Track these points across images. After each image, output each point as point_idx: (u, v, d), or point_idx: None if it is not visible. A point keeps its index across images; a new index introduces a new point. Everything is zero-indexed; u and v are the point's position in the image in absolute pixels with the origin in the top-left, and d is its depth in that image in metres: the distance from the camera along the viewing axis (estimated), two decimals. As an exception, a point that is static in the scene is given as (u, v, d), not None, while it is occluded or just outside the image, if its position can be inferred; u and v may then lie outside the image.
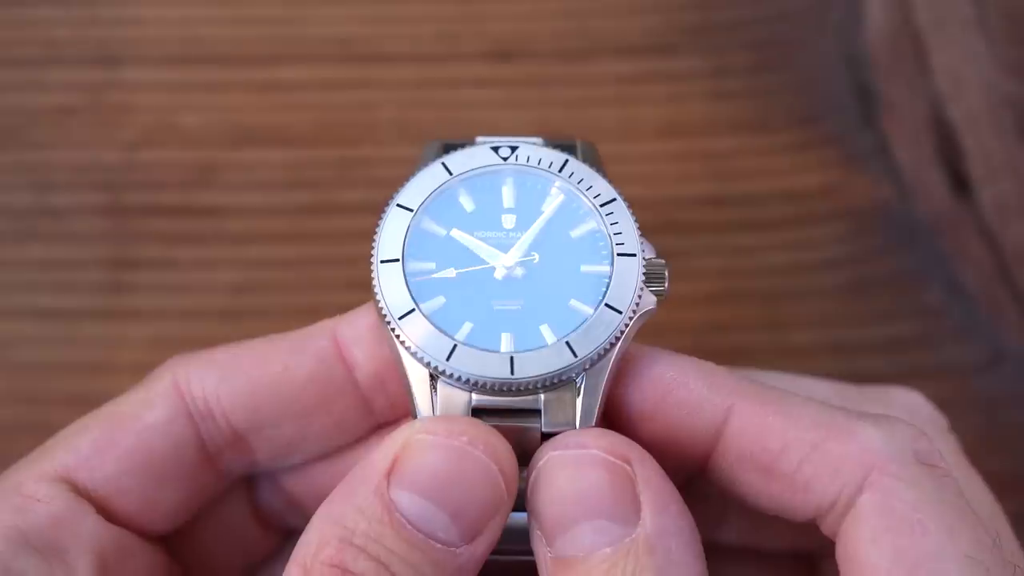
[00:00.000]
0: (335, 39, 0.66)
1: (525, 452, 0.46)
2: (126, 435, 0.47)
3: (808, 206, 0.66)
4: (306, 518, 0.52)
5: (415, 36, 0.66)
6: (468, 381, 0.46)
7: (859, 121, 0.66)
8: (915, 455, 0.44)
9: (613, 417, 0.47)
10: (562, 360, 0.46)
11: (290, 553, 0.53)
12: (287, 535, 0.54)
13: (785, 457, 0.45)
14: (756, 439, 0.45)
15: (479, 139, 0.48)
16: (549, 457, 0.45)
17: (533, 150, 0.47)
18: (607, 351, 0.46)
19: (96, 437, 0.47)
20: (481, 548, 0.44)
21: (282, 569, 0.53)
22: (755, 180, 0.66)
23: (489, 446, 0.44)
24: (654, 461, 0.45)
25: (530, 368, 0.46)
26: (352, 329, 0.48)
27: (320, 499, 0.51)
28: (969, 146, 0.66)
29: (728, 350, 0.64)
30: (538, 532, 0.45)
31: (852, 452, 0.44)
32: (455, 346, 0.46)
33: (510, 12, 0.65)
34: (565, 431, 0.46)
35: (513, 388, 0.46)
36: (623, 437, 0.45)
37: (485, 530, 0.44)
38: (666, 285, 0.47)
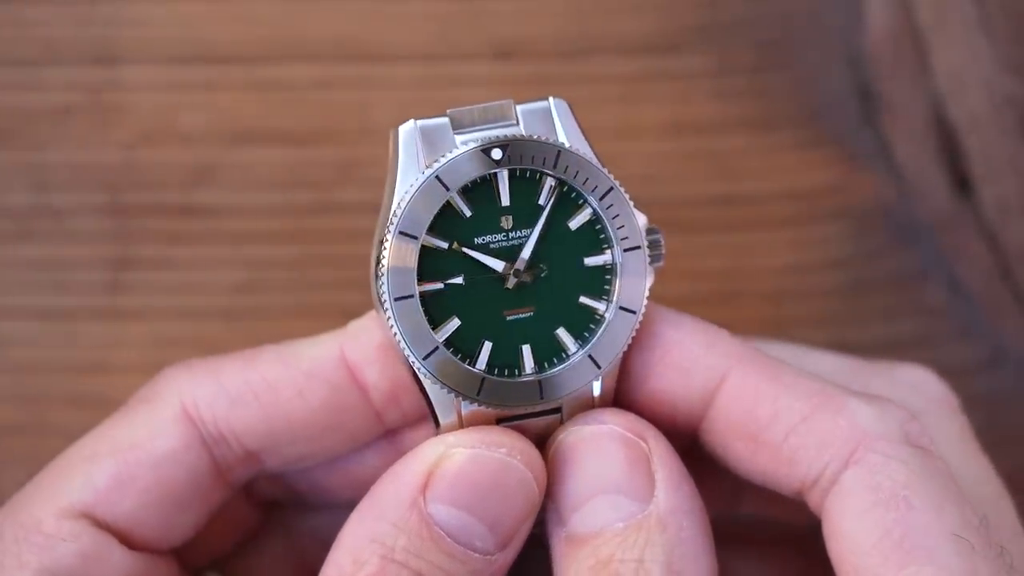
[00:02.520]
0: (335, 39, 0.65)
1: (543, 439, 0.47)
2: (143, 469, 0.47)
3: (808, 206, 0.66)
4: (296, 499, 0.53)
5: (415, 35, 0.65)
6: (498, 408, 0.46)
7: (860, 120, 0.66)
8: (904, 436, 0.45)
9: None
10: (588, 375, 0.47)
11: (276, 524, 0.54)
12: (270, 507, 0.55)
13: (773, 427, 0.45)
14: (746, 406, 0.46)
15: (450, 111, 0.47)
16: (568, 433, 0.46)
17: (524, 147, 0.46)
18: (626, 347, 0.47)
19: (113, 472, 0.46)
20: (512, 553, 0.45)
21: (266, 540, 0.54)
22: (756, 179, 0.66)
23: (525, 455, 0.45)
24: (668, 442, 0.45)
25: (559, 389, 0.46)
26: (362, 349, 0.48)
27: (317, 488, 0.51)
28: (970, 146, 0.66)
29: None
30: (553, 513, 0.45)
31: (840, 427, 0.45)
32: (483, 380, 0.46)
33: (511, 11, 0.65)
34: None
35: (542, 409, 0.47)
36: (638, 416, 0.46)
37: (518, 535, 0.45)
38: (662, 251, 0.47)
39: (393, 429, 0.50)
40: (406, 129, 0.47)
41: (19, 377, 0.65)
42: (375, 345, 0.48)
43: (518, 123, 0.47)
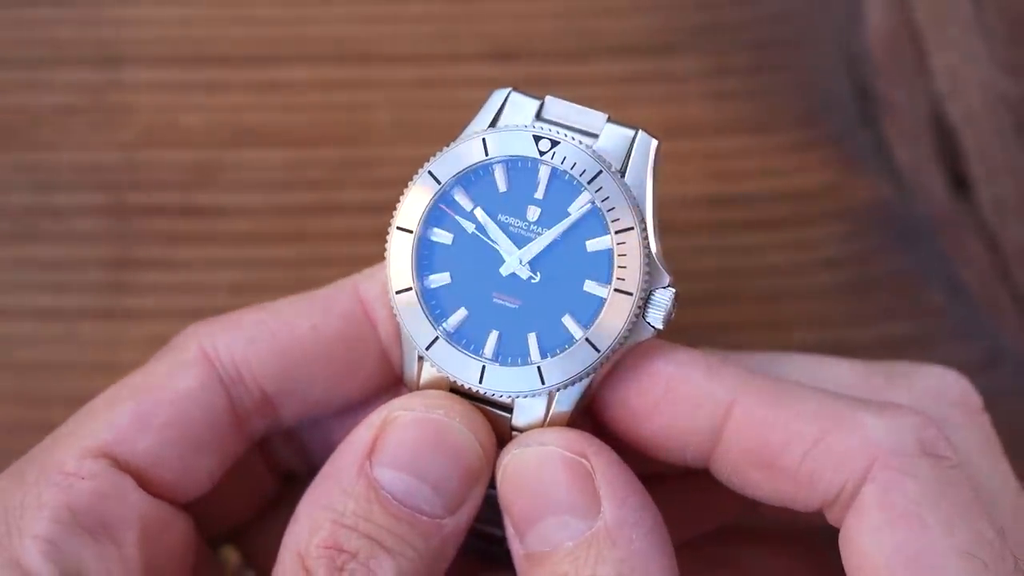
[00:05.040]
0: (335, 39, 0.66)
1: (500, 437, 0.47)
2: (162, 406, 0.47)
3: (808, 206, 0.66)
4: (312, 466, 0.53)
5: (415, 36, 0.66)
6: (439, 370, 0.47)
7: (859, 121, 0.66)
8: (920, 445, 0.44)
9: (613, 414, 0.48)
10: (529, 384, 0.47)
11: (292, 495, 0.54)
12: (288, 477, 0.55)
13: (788, 452, 0.45)
14: (758, 435, 0.46)
15: (548, 97, 0.48)
16: (511, 456, 0.46)
17: (571, 151, 0.46)
18: (578, 382, 0.47)
19: (134, 410, 0.47)
20: (464, 518, 0.46)
21: (281, 513, 0.54)
22: (755, 180, 0.66)
23: (466, 417, 0.46)
24: (613, 454, 0.46)
25: (497, 383, 0.47)
26: (375, 286, 0.48)
27: (330, 449, 0.52)
28: (968, 146, 0.66)
29: (728, 350, 0.64)
30: (511, 529, 0.45)
31: (854, 444, 0.44)
32: (436, 339, 0.47)
33: (510, 12, 0.65)
34: (531, 428, 0.47)
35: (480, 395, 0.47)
36: (582, 433, 0.46)
37: (467, 500, 0.45)
38: (667, 314, 0.46)
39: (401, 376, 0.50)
40: (498, 92, 0.48)
41: (20, 377, 0.65)
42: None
43: (598, 136, 0.47)
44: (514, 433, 0.48)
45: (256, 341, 0.48)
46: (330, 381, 0.49)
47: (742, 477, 0.47)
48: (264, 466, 0.54)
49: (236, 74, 0.65)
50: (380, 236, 0.48)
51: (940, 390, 0.51)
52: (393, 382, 0.50)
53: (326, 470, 0.46)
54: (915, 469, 0.44)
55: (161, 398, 0.47)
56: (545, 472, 0.45)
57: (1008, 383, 0.66)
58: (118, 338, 0.65)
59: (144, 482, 0.47)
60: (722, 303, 0.66)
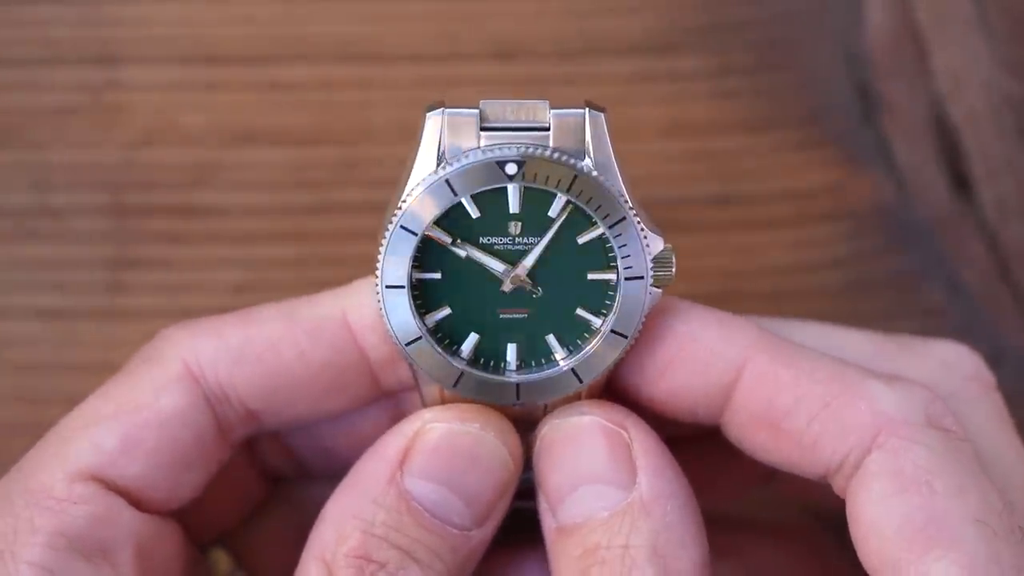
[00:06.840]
0: (335, 39, 0.66)
1: (530, 423, 0.47)
2: (150, 430, 0.46)
3: (808, 206, 0.66)
4: (302, 468, 0.53)
5: (415, 35, 0.66)
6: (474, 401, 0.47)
7: (860, 121, 0.66)
8: (927, 418, 0.44)
9: (624, 374, 0.48)
10: (568, 387, 0.47)
11: (281, 496, 0.54)
12: (276, 481, 0.55)
13: (794, 415, 0.45)
14: (767, 396, 0.46)
15: (483, 103, 0.46)
16: (549, 426, 0.47)
17: (540, 166, 0.45)
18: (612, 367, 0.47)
19: (121, 434, 0.46)
20: (491, 529, 0.46)
21: (271, 513, 0.54)
22: (755, 180, 0.66)
23: (500, 431, 0.46)
24: (650, 428, 0.46)
25: (536, 395, 0.47)
26: (365, 312, 0.48)
27: (318, 453, 0.52)
28: (969, 146, 0.66)
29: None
30: (544, 504, 0.46)
31: (862, 411, 0.44)
32: (461, 373, 0.46)
33: (511, 11, 0.65)
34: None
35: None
36: (619, 405, 0.47)
37: (495, 512, 0.45)
38: (672, 271, 0.47)
39: (391, 392, 0.50)
40: (433, 115, 0.46)
41: (19, 377, 0.65)
42: (376, 308, 0.47)
43: (549, 128, 0.46)
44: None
45: (242, 363, 0.48)
46: (316, 400, 0.49)
47: (750, 438, 0.47)
48: (251, 469, 0.54)
49: (236, 74, 0.65)
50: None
51: (953, 363, 0.51)
52: (380, 395, 0.50)
53: (352, 477, 0.46)
54: (923, 439, 0.44)
55: (149, 420, 0.47)
56: (584, 440, 0.45)
57: (1009, 383, 0.65)
58: (118, 338, 0.65)
59: (134, 501, 0.47)
60: (724, 302, 0.65)
